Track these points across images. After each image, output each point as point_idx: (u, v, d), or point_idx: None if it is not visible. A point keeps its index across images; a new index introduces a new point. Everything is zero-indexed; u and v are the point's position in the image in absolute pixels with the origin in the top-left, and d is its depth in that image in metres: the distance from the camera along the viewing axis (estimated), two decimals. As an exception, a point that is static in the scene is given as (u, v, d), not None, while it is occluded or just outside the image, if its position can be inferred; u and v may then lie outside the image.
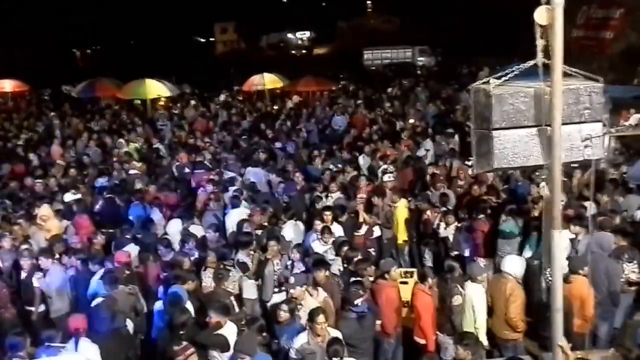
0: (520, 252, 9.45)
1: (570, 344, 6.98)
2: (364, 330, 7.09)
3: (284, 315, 7.11)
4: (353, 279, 7.87)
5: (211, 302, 7.51)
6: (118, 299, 7.79)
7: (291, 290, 7.39)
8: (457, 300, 7.53)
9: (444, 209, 10.65)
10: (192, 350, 6.14)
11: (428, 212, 10.72)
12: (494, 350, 7.60)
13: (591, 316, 7.41)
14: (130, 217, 11.23)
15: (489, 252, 9.78)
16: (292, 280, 7.48)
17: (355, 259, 8.36)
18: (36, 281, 8.73)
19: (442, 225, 10.33)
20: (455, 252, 9.96)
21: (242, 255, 8.94)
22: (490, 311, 7.59)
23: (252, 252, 9.08)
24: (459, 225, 10.21)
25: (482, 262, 9.46)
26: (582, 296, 7.26)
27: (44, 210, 10.98)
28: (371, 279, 7.98)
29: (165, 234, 10.26)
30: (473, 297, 7.44)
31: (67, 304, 8.75)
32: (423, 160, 14.32)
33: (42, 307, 8.83)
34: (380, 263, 8.25)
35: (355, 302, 7.03)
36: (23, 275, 8.91)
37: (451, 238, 10.21)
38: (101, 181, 13.50)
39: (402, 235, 10.88)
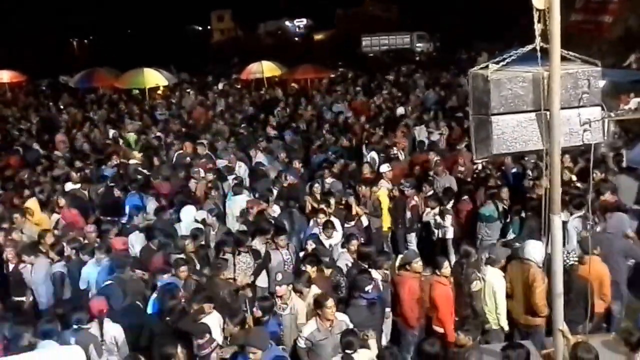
0: (502, 236, 9.64)
1: (591, 324, 7.07)
2: (374, 317, 7.10)
3: (257, 313, 7.00)
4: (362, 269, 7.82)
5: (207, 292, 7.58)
6: (127, 282, 7.98)
7: (277, 288, 7.22)
8: (476, 285, 7.47)
9: (429, 193, 10.74)
10: (217, 343, 6.12)
11: (415, 198, 10.75)
12: (515, 337, 7.47)
13: (609, 295, 7.50)
14: (128, 207, 11.25)
15: (471, 234, 9.99)
16: (279, 277, 7.29)
17: (371, 253, 8.21)
18: (23, 272, 8.77)
19: (426, 210, 10.51)
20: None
21: (257, 242, 8.97)
22: (509, 297, 7.55)
23: (268, 240, 9.08)
24: (442, 208, 10.35)
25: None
26: (600, 276, 7.35)
27: (29, 204, 10.95)
28: (387, 271, 7.96)
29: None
30: (494, 283, 7.40)
31: (52, 296, 8.80)
32: (438, 144, 14.29)
33: (26, 298, 8.87)
34: (404, 254, 8.21)
35: (366, 289, 7.03)
36: (10, 266, 8.93)
37: (432, 222, 10.39)
38: (110, 171, 13.52)
39: (385, 222, 10.89)
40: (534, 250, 7.35)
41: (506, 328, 7.49)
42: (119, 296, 7.69)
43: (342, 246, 8.80)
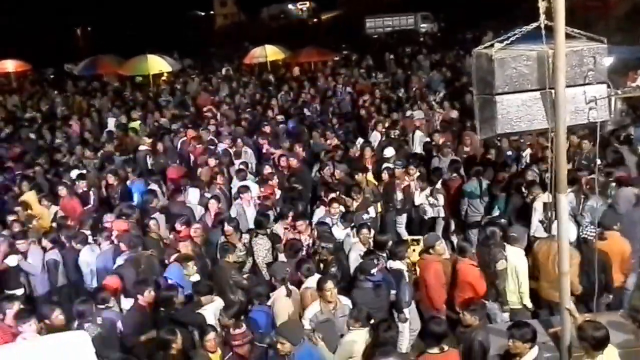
0: (488, 212, 9.81)
1: (611, 296, 7.18)
2: (379, 299, 7.11)
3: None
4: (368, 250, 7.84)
5: (214, 276, 7.68)
6: (140, 261, 8.17)
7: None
8: (501, 265, 7.42)
9: (417, 174, 10.71)
10: (249, 338, 6.13)
11: (406, 178, 10.69)
12: (544, 315, 7.40)
13: (630, 269, 7.56)
14: (136, 194, 11.30)
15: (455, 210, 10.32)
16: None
17: (391, 242, 8.15)
18: (14, 261, 8.75)
19: (417, 192, 10.53)
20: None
21: (278, 227, 8.99)
22: (535, 276, 7.52)
23: (286, 227, 9.07)
24: (433, 188, 10.45)
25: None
26: (622, 251, 7.41)
27: (25, 198, 10.88)
28: (408, 260, 7.88)
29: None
30: (516, 262, 7.38)
31: (48, 283, 8.91)
32: (456, 122, 14.22)
33: (21, 291, 8.84)
34: (425, 238, 8.22)
35: (372, 272, 7.04)
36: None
37: (426, 203, 10.47)
38: (118, 159, 13.50)
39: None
40: None
41: (530, 306, 7.48)
42: (132, 275, 7.87)
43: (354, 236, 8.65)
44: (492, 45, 5.12)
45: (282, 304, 7.04)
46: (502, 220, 8.80)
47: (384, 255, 7.86)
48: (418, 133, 13.80)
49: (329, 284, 6.60)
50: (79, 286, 8.81)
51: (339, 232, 8.96)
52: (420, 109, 15.85)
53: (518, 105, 5.09)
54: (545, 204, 8.90)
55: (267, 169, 11.45)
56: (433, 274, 7.47)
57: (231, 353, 6.23)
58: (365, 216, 9.63)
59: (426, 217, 10.65)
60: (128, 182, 11.75)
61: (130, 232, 8.98)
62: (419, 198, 10.54)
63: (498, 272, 7.44)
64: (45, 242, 9.09)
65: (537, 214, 8.86)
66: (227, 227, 8.76)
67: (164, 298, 7.05)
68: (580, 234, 7.79)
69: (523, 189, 9.25)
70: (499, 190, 9.78)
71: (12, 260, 8.71)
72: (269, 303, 7.10)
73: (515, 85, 5.06)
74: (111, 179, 11.68)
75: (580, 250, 7.36)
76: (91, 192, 11.48)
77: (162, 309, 6.98)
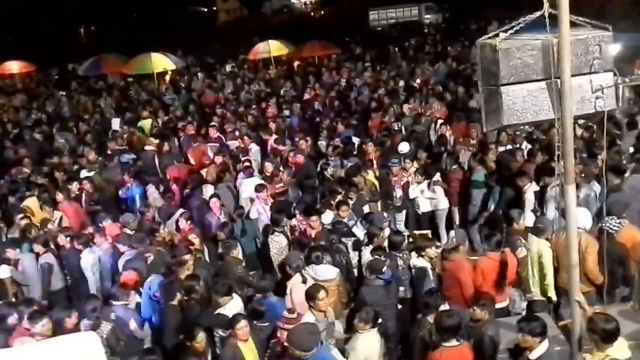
0: (484, 202, 9.88)
1: (628, 289, 7.14)
2: (389, 297, 7.11)
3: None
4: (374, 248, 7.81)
5: (221, 273, 7.70)
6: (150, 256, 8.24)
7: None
8: (521, 252, 7.38)
9: (414, 168, 10.63)
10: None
11: (404, 175, 10.61)
12: (563, 305, 7.24)
13: None
14: (137, 195, 11.30)
15: (463, 201, 10.33)
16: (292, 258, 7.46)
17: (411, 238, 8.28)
18: (6, 273, 8.62)
19: (413, 185, 10.46)
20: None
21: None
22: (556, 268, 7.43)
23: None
24: (431, 181, 10.38)
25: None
26: (633, 239, 7.34)
27: (27, 204, 10.76)
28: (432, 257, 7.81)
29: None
30: (542, 252, 7.29)
31: (39, 290, 8.79)
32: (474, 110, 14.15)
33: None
34: (454, 235, 8.21)
35: (382, 270, 7.04)
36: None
37: (418, 196, 10.41)
38: (127, 157, 13.49)
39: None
40: (582, 217, 7.16)
41: (554, 298, 7.39)
42: (143, 270, 7.94)
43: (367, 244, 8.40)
44: (496, 35, 5.06)
45: (298, 291, 7.08)
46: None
47: (400, 255, 7.83)
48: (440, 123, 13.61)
49: (322, 294, 6.51)
50: (79, 288, 8.79)
51: (360, 232, 8.87)
52: (415, 101, 15.80)
53: (524, 96, 5.03)
54: (535, 193, 8.91)
55: (270, 166, 11.36)
56: (467, 272, 7.36)
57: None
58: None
59: (419, 212, 10.58)
60: (122, 190, 11.64)
61: (125, 232, 9.05)
62: (413, 192, 10.48)
63: (519, 260, 7.38)
64: (38, 248, 8.96)
65: (529, 204, 8.84)
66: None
67: (187, 287, 7.07)
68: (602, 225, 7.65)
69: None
70: (494, 181, 9.83)
71: (4, 272, 8.59)
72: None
73: (521, 75, 5.00)
74: (87, 186, 11.47)
75: (600, 242, 7.22)
76: (83, 195, 11.38)
77: (185, 297, 7.02)
